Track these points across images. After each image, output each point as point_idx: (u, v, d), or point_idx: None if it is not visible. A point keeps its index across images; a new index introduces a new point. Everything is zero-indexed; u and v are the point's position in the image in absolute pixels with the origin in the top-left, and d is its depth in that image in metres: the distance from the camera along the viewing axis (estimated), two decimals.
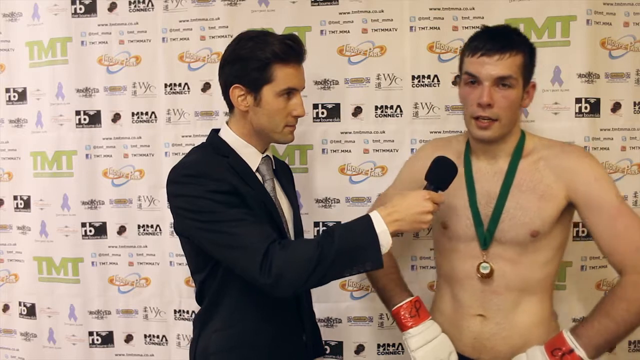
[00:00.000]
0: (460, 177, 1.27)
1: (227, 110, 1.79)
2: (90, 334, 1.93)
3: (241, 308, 1.21)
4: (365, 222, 1.12)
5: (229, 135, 1.27)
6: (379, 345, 1.81)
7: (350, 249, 1.09)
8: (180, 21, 1.80)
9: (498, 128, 1.21)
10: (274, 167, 1.34)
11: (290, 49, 1.20)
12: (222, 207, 1.12)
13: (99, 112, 1.87)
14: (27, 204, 1.95)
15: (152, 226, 1.88)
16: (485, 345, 1.28)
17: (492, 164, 1.29)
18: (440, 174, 1.20)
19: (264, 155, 1.30)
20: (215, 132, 1.31)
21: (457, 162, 1.29)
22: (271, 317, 1.24)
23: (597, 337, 1.12)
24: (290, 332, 1.30)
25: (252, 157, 1.27)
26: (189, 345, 1.87)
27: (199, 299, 1.31)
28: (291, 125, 1.26)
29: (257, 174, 1.27)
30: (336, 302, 1.82)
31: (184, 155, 1.28)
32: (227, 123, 1.30)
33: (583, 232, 1.66)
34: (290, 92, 1.22)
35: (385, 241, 1.10)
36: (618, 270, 1.18)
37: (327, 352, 1.80)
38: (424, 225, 1.14)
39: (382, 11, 1.71)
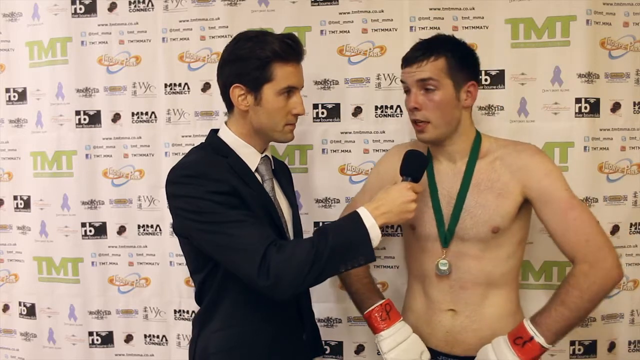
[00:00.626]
0: (423, 179, 1.33)
1: (227, 111, 1.81)
2: (90, 334, 1.93)
3: (241, 308, 1.21)
4: (354, 218, 1.14)
5: (228, 136, 1.27)
6: None
7: (343, 246, 1.11)
8: (180, 21, 1.80)
9: (432, 129, 1.29)
10: (272, 167, 1.34)
11: (289, 47, 1.21)
12: (221, 208, 1.12)
13: (99, 112, 1.87)
14: (27, 204, 1.95)
15: (152, 226, 1.88)
16: (457, 338, 1.34)
17: (451, 166, 1.36)
18: (413, 166, 1.25)
19: (263, 155, 1.30)
20: (214, 132, 1.31)
21: None
22: (271, 317, 1.24)
23: (554, 324, 1.18)
24: (290, 331, 1.30)
25: (251, 157, 1.27)
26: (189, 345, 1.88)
27: (199, 299, 1.31)
28: (291, 123, 1.27)
29: (256, 174, 1.27)
30: (336, 302, 1.82)
31: (183, 156, 1.28)
32: (225, 123, 1.30)
33: None
34: (290, 91, 1.23)
35: (375, 235, 1.13)
36: (570, 260, 1.25)
37: (327, 352, 1.80)
38: (410, 214, 1.18)
39: (382, 11, 1.71)
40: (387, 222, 1.16)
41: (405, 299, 1.50)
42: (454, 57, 1.28)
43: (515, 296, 1.38)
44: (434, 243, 1.35)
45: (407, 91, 1.33)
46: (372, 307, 1.37)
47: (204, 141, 1.32)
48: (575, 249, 1.22)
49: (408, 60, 1.31)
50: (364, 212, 1.15)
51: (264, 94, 1.21)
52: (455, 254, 1.33)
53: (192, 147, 1.78)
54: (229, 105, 1.27)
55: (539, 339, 1.17)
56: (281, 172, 1.40)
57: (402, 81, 1.34)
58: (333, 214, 1.76)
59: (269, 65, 1.19)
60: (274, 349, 1.26)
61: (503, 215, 1.28)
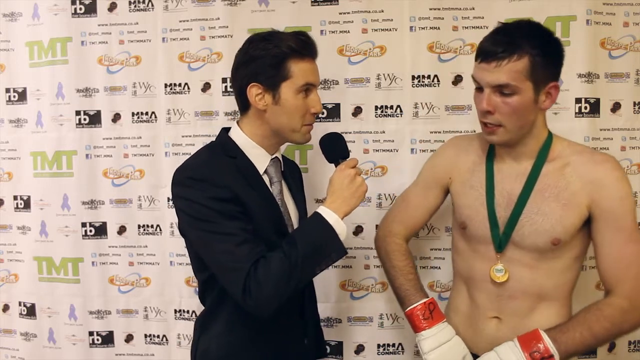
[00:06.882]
0: (480, 177, 1.28)
1: (227, 110, 1.81)
2: (91, 333, 1.93)
3: (243, 313, 1.18)
4: (318, 219, 1.16)
5: (238, 136, 1.25)
6: (379, 345, 1.81)
7: (313, 249, 1.12)
8: (180, 21, 1.80)
9: (504, 133, 1.18)
10: (282, 169, 1.33)
11: (304, 43, 1.20)
12: (219, 217, 1.12)
13: (99, 112, 1.87)
14: (27, 204, 1.95)
15: (152, 226, 1.88)
16: None
17: (514, 166, 1.25)
18: (335, 148, 1.27)
19: (273, 157, 1.28)
20: (226, 130, 1.30)
21: (479, 161, 1.30)
22: (273, 323, 1.21)
23: (574, 347, 1.12)
24: (292, 337, 1.30)
25: (260, 158, 1.25)
26: (189, 345, 1.87)
27: (202, 299, 1.32)
28: (309, 123, 1.25)
29: (265, 176, 1.26)
30: (336, 302, 1.82)
31: (191, 154, 1.27)
32: (237, 123, 1.28)
33: None
34: (308, 89, 1.22)
35: (341, 229, 1.15)
36: (607, 288, 1.18)
37: (327, 352, 1.80)
38: (363, 187, 1.20)
39: (382, 11, 1.72)
40: (348, 210, 1.18)
41: (450, 298, 1.44)
42: (539, 55, 1.11)
43: (568, 312, 1.26)
44: (486, 246, 1.26)
45: (479, 88, 1.18)
46: (415, 304, 1.29)
47: (214, 139, 1.31)
48: (621, 282, 1.15)
49: (485, 55, 1.13)
50: (324, 211, 1.16)
51: (282, 93, 1.19)
52: (507, 260, 1.24)
53: (192, 147, 1.81)
54: (244, 107, 1.25)
55: (557, 358, 1.11)
56: (291, 174, 1.39)
57: (473, 78, 1.19)
58: None
59: (285, 62, 1.18)
60: (276, 355, 1.25)
61: (566, 227, 1.18)
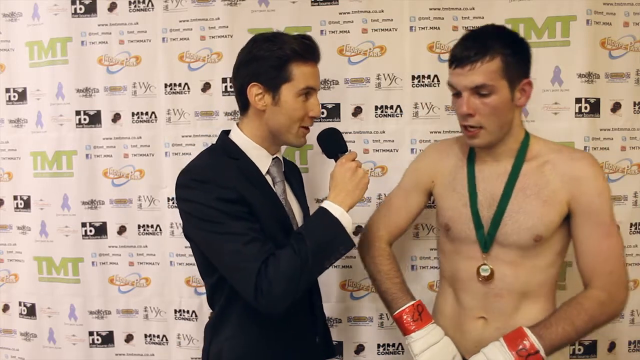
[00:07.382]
0: (462, 180, 1.30)
1: (227, 110, 1.81)
2: (91, 333, 1.93)
3: (252, 315, 1.18)
4: (323, 214, 1.16)
5: (239, 137, 1.26)
6: (379, 345, 1.81)
7: (322, 243, 1.13)
8: (180, 21, 1.80)
9: (485, 135, 1.21)
10: (283, 169, 1.33)
11: (308, 47, 1.21)
12: (226, 217, 1.11)
13: (99, 112, 1.87)
14: (27, 204, 1.95)
15: (152, 226, 1.88)
16: None
17: (495, 166, 1.28)
18: (333, 144, 1.27)
19: (274, 157, 1.28)
20: (226, 133, 1.30)
21: (460, 164, 1.32)
22: (284, 322, 1.21)
23: (558, 342, 1.16)
24: (303, 335, 1.30)
25: (262, 159, 1.26)
26: (189, 345, 1.88)
27: (211, 303, 1.31)
28: (306, 127, 1.25)
29: (267, 176, 1.26)
30: (336, 302, 1.82)
31: (193, 158, 1.27)
32: (237, 125, 1.28)
33: None
34: (308, 92, 1.22)
35: (347, 222, 1.16)
36: (584, 282, 1.22)
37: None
38: (365, 179, 1.21)
39: (382, 11, 1.71)
40: (353, 203, 1.19)
41: (436, 301, 1.45)
42: (510, 54, 1.16)
43: (552, 307, 1.27)
44: (470, 246, 1.29)
45: (457, 94, 1.21)
46: (404, 307, 1.30)
47: (215, 142, 1.31)
48: (597, 275, 1.19)
49: (458, 61, 1.17)
50: (329, 205, 1.17)
51: (282, 95, 1.19)
52: (493, 259, 1.26)
53: (192, 147, 1.80)
54: (244, 106, 1.25)
55: (542, 353, 1.14)
56: (292, 174, 1.39)
57: (449, 84, 1.22)
58: None
59: (287, 65, 1.18)
60: (288, 354, 1.25)
61: (547, 224, 1.21)
